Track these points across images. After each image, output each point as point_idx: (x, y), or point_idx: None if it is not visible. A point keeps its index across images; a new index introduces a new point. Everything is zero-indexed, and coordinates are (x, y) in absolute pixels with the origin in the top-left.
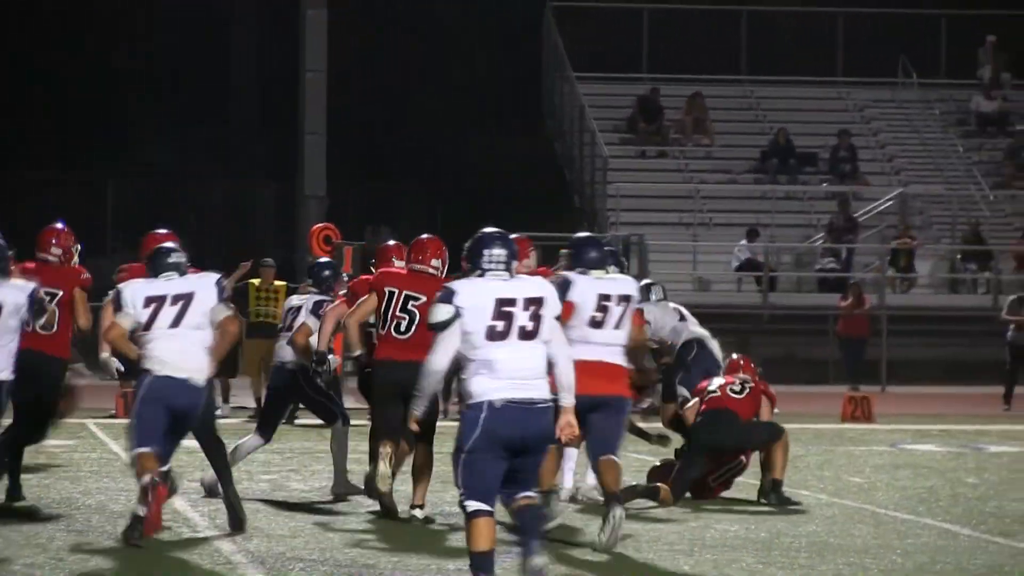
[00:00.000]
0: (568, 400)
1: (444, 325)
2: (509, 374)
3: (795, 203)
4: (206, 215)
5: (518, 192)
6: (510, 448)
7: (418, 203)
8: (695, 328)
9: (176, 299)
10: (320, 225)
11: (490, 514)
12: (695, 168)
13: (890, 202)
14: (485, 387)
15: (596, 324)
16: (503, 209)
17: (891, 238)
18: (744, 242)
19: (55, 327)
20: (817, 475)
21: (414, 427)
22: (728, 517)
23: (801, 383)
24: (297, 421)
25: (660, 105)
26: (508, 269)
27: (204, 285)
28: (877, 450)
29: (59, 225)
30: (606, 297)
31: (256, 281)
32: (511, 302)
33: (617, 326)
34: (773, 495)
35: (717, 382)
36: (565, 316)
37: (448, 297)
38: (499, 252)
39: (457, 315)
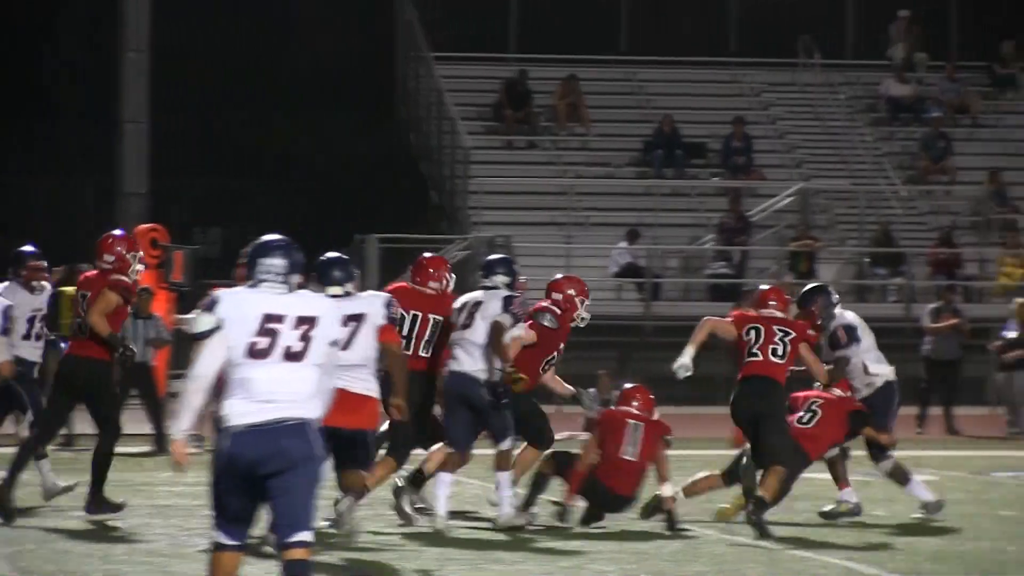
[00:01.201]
0: None
1: (206, 336)
2: (264, 396)
3: (682, 200)
4: (24, 214)
5: (369, 189)
6: (257, 473)
7: (256, 201)
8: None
9: None
10: (145, 227)
11: (235, 548)
12: (569, 160)
13: (790, 199)
14: (235, 411)
15: None
16: (352, 208)
17: (790, 239)
18: (624, 244)
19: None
20: (705, 507)
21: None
22: (605, 555)
23: (690, 403)
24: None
25: (529, 89)
26: (286, 282)
27: None
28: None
29: (116, 232)
30: None
31: (71, 290)
32: (279, 319)
33: (344, 347)
34: (753, 511)
35: (758, 335)
36: None
37: (211, 306)
38: (277, 263)
39: (219, 326)
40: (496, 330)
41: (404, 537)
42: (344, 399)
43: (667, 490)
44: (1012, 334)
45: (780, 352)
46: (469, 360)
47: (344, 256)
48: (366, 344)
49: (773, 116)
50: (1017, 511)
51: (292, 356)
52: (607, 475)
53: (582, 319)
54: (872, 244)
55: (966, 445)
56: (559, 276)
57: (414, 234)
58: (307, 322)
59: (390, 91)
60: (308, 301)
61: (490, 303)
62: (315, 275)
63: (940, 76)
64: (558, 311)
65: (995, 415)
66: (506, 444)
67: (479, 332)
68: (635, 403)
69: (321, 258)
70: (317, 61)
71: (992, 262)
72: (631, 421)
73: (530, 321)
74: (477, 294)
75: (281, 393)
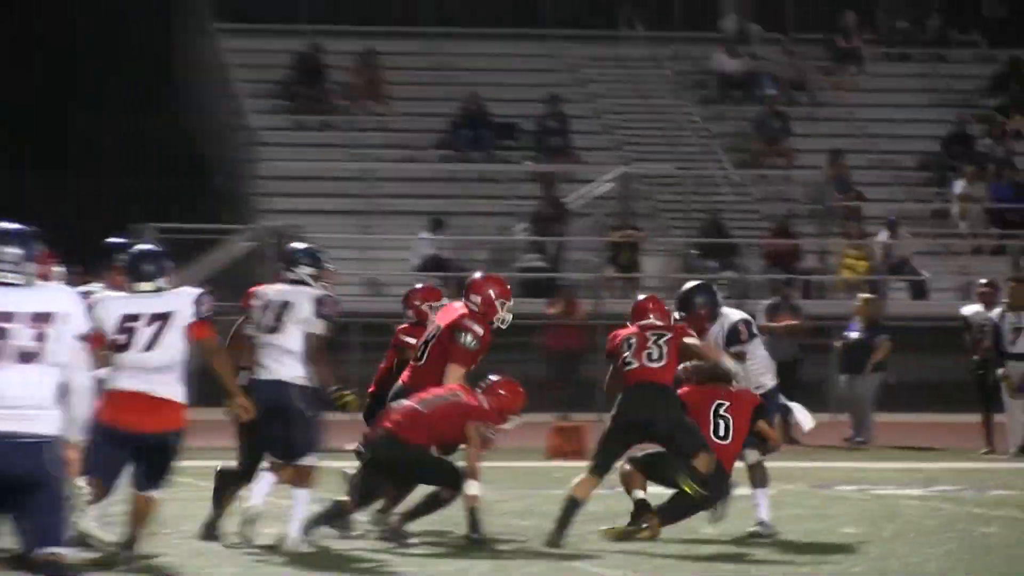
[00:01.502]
0: (75, 435)
1: None
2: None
3: (491, 186)
4: None
5: (143, 174)
6: None
7: (15, 190)
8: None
9: None
10: None
11: None
12: (366, 142)
13: (610, 184)
14: None
15: (120, 347)
16: (128, 194)
17: (611, 229)
18: (427, 234)
19: None
20: (516, 526)
21: None
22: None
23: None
24: None
25: (323, 64)
26: (21, 273)
27: None
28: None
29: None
30: (132, 317)
31: None
32: (10, 316)
33: (149, 347)
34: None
35: (631, 345)
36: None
37: None
38: (10, 251)
39: None
40: (312, 340)
41: (199, 555)
42: (145, 402)
43: (471, 488)
44: (856, 334)
45: (656, 355)
46: (278, 367)
47: (157, 249)
48: (173, 345)
49: (591, 93)
50: (861, 528)
51: (27, 356)
52: (392, 418)
53: (503, 322)
54: (700, 234)
55: (805, 455)
56: (477, 275)
57: (196, 223)
58: (44, 319)
59: (167, 66)
60: (47, 295)
61: (300, 304)
62: (124, 270)
63: (775, 49)
64: (479, 329)
65: (836, 421)
66: (308, 460)
67: (290, 337)
68: (494, 394)
69: (130, 251)
70: (87, 34)
71: (833, 254)
72: (452, 389)
73: (448, 342)
74: (282, 290)
75: (16, 399)
